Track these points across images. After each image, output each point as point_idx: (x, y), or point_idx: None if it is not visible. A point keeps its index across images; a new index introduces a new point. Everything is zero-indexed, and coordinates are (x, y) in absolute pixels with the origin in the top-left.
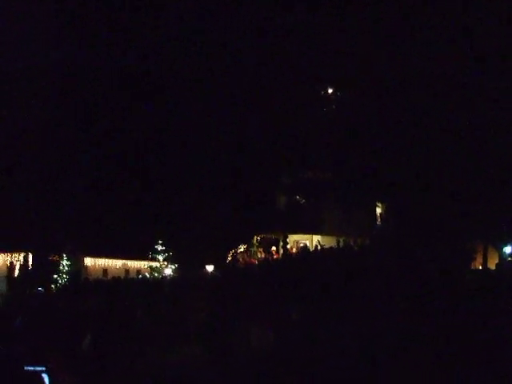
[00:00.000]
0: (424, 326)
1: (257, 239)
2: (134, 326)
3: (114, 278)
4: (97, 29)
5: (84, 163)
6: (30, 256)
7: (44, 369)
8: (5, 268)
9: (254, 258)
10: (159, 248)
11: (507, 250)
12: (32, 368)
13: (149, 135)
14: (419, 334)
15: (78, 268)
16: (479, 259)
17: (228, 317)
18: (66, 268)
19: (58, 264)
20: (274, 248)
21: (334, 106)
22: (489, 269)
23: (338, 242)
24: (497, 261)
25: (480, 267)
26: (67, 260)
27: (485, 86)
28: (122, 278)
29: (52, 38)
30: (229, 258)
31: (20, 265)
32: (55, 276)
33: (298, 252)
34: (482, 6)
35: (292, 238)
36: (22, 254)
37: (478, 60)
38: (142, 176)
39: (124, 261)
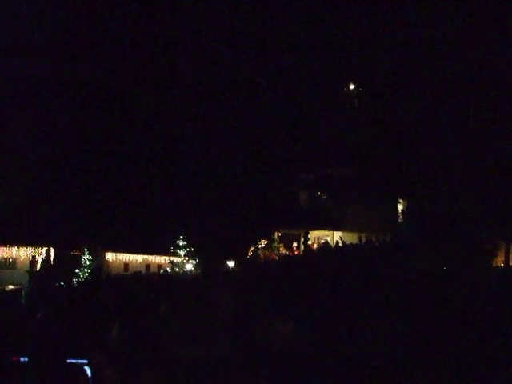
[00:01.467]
0: (442, 325)
1: (278, 235)
2: (159, 320)
3: (135, 272)
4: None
5: (107, 161)
6: (52, 250)
7: (86, 362)
8: (27, 262)
9: (274, 254)
10: (180, 243)
11: None
12: (75, 361)
13: (171, 131)
14: (437, 334)
15: (99, 263)
16: (501, 257)
17: (251, 312)
18: (88, 263)
19: (80, 259)
20: (295, 244)
21: (356, 102)
22: (511, 266)
23: (360, 239)
24: None
25: (502, 265)
26: (89, 255)
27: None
28: (143, 272)
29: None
30: (249, 254)
31: (42, 259)
32: (77, 271)
33: (319, 248)
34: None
35: (313, 234)
36: (44, 249)
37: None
38: (163, 173)
39: (145, 256)
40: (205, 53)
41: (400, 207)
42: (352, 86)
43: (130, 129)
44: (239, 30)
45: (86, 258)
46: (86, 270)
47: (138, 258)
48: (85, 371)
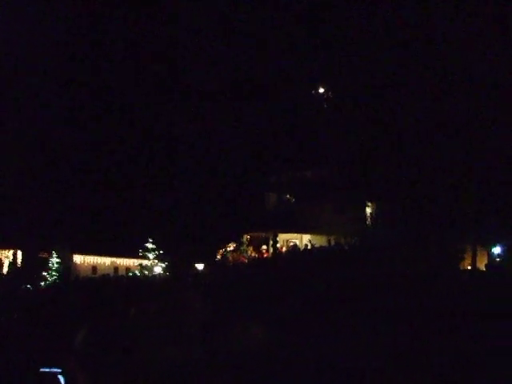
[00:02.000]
0: (413, 325)
1: (247, 238)
2: (128, 324)
3: (103, 275)
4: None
5: (74, 162)
6: (20, 253)
7: (60, 371)
8: None
9: (243, 257)
10: (149, 246)
11: (496, 250)
12: (48, 370)
13: (140, 137)
14: (407, 335)
15: (67, 265)
16: (468, 259)
17: (219, 315)
18: (56, 265)
19: (47, 261)
20: (264, 247)
21: (325, 105)
22: (478, 269)
23: (329, 242)
24: (486, 261)
25: (469, 267)
26: (56, 257)
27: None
28: (112, 275)
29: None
30: (218, 257)
31: (9, 262)
32: (44, 273)
33: (288, 251)
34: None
35: (282, 237)
36: (11, 251)
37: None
38: (132, 175)
39: (113, 258)
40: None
41: (368, 210)
42: (322, 90)
43: (104, 130)
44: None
45: (54, 260)
46: (53, 273)
47: (107, 261)
48: (58, 380)
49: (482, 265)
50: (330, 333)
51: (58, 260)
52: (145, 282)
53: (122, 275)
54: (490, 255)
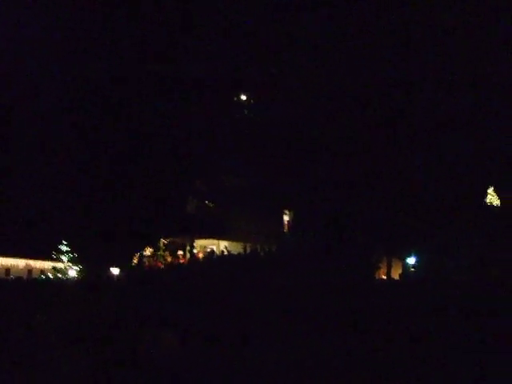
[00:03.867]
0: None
1: (163, 243)
2: (29, 330)
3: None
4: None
5: None
6: None
7: None
8: None
9: (160, 262)
10: (63, 248)
11: (410, 261)
12: None
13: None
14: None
15: None
16: (384, 269)
17: (133, 322)
18: None
19: None
20: (180, 252)
21: (246, 112)
22: (392, 278)
23: (245, 248)
24: (400, 271)
25: (384, 277)
26: None
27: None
28: (25, 278)
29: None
30: (135, 261)
31: None
32: None
33: (204, 257)
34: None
35: (199, 243)
36: None
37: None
38: (48, 174)
39: (27, 260)
40: None
41: (286, 218)
42: (244, 97)
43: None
44: None
45: None
46: None
47: (20, 263)
48: None
49: (396, 274)
50: (243, 342)
51: None
52: (54, 285)
53: (35, 278)
54: (405, 265)
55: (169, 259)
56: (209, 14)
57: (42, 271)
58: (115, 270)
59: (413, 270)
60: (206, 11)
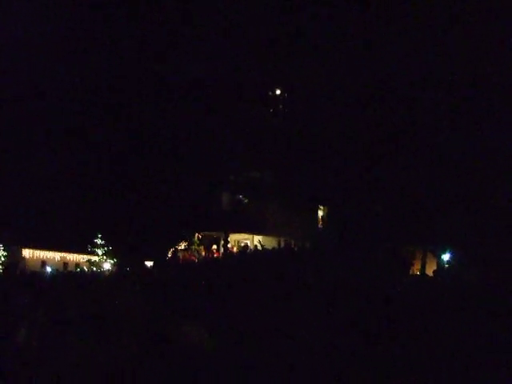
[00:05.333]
0: (358, 330)
1: (198, 237)
2: (66, 320)
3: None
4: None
5: (26, 156)
6: None
7: None
8: None
9: (194, 256)
10: (98, 242)
11: (445, 257)
12: None
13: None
14: (353, 339)
15: (16, 259)
16: (417, 265)
17: (165, 314)
18: (2, 259)
19: None
20: (214, 246)
21: (280, 107)
22: (426, 275)
23: (279, 243)
24: (434, 267)
25: (418, 273)
26: (3, 250)
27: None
28: (60, 270)
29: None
30: (169, 255)
31: None
32: None
33: (239, 251)
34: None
35: (233, 237)
36: None
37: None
38: (83, 171)
39: (63, 253)
40: None
41: (320, 214)
42: (278, 92)
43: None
44: None
45: (1, 254)
46: (0, 267)
47: (56, 256)
48: None
49: (430, 271)
50: (275, 334)
51: (4, 253)
52: (89, 277)
53: (70, 270)
54: (440, 262)
55: (203, 253)
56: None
57: (77, 264)
58: (149, 263)
59: (447, 266)
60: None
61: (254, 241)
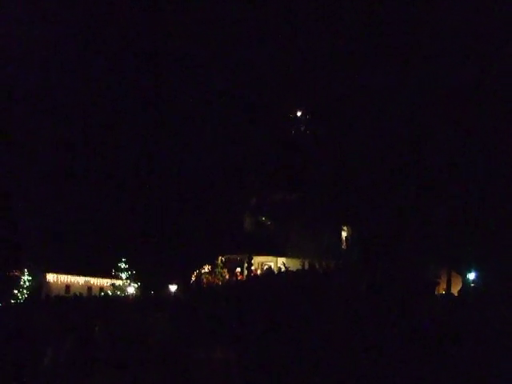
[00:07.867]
0: (385, 349)
1: (221, 260)
2: (92, 344)
3: (74, 294)
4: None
5: (54, 182)
6: None
7: None
8: None
9: (218, 279)
10: (122, 266)
11: (471, 276)
12: None
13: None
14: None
15: (39, 284)
16: (443, 284)
17: (190, 339)
18: (27, 283)
19: (19, 279)
20: (238, 269)
21: (302, 128)
22: (452, 294)
23: (303, 265)
24: (459, 286)
25: (443, 292)
26: (28, 275)
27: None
28: (84, 295)
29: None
30: (193, 278)
31: None
32: (15, 291)
33: (262, 274)
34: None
35: (257, 260)
36: None
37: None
38: (106, 194)
39: (87, 278)
40: None
41: (344, 234)
42: (299, 113)
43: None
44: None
45: (26, 278)
46: (24, 291)
47: (80, 280)
48: None
49: (455, 290)
50: (301, 356)
51: (29, 278)
52: (114, 301)
53: (94, 294)
54: (465, 281)
55: (227, 276)
56: None
57: (101, 288)
58: (173, 287)
59: (473, 285)
60: None
61: (278, 263)
